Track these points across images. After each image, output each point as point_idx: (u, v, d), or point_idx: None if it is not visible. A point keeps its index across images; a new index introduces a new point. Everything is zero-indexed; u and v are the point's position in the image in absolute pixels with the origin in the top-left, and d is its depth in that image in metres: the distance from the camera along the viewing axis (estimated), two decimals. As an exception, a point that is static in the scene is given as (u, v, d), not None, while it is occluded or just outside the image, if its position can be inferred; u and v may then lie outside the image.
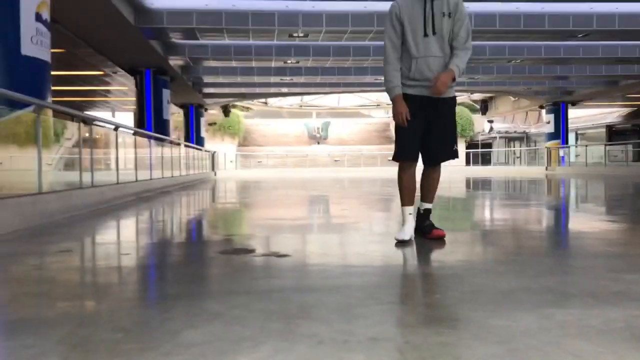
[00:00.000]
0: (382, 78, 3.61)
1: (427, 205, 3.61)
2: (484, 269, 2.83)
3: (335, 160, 34.89)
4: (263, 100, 38.27)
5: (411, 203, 3.56)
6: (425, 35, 3.35)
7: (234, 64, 18.26)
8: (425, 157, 3.56)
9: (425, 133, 3.47)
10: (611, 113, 33.97)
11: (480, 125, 39.19)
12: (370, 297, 2.11)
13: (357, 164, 33.81)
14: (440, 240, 3.50)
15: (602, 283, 2.34)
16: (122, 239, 4.48)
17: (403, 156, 3.51)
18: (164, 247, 3.87)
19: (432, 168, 3.60)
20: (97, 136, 8.03)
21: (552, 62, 18.65)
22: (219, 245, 3.70)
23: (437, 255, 3.17)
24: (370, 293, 2.19)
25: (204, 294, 2.29)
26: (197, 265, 3.02)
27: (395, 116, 3.42)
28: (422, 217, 3.61)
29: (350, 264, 2.97)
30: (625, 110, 33.10)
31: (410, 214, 3.53)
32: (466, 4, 11.55)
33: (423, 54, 3.36)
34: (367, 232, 4.53)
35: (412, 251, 3.29)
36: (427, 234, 3.55)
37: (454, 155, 3.52)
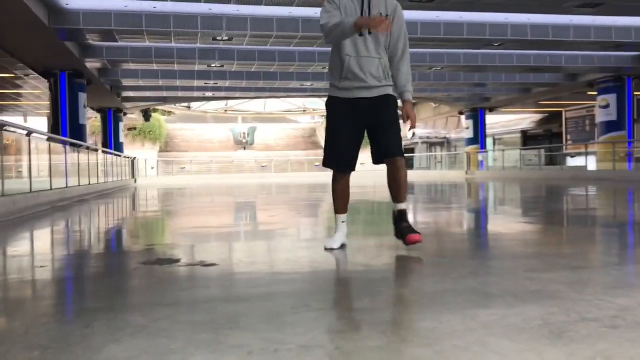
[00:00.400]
0: (326, 67, 3.47)
1: (402, 206, 3.37)
2: (411, 272, 2.88)
3: (262, 166, 34.73)
4: (186, 104, 37.53)
5: (345, 211, 3.48)
6: (361, 34, 3.22)
7: (155, 66, 17.79)
8: (380, 154, 3.34)
9: (372, 134, 3.34)
10: (525, 119, 35.75)
11: (403, 131, 40.13)
12: (300, 304, 2.09)
13: (285, 170, 33.81)
14: (371, 246, 3.53)
15: (522, 283, 2.43)
16: (36, 251, 4.24)
17: (337, 166, 3.37)
18: (83, 259, 3.69)
19: (393, 165, 3.32)
20: (8, 142, 7.58)
21: (470, 69, 19.42)
22: (141, 256, 3.56)
23: (365, 260, 3.19)
24: (300, 300, 2.17)
25: (127, 307, 2.20)
26: (119, 277, 2.90)
27: (374, 25, 3.02)
28: (399, 220, 3.37)
29: (279, 271, 2.94)
30: (538, 117, 34.93)
31: (343, 222, 3.46)
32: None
33: (356, 54, 3.24)
34: (295, 238, 4.51)
35: (340, 256, 3.30)
36: (404, 238, 3.30)
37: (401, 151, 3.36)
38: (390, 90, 3.37)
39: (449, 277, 2.63)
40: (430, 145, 41.30)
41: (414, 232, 3.28)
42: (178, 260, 3.24)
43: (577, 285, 2.33)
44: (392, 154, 3.31)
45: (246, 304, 2.15)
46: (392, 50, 3.32)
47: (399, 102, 3.45)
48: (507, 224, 5.28)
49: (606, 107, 20.41)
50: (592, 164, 20.20)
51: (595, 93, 21.12)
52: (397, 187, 3.34)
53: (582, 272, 2.64)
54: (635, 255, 3.38)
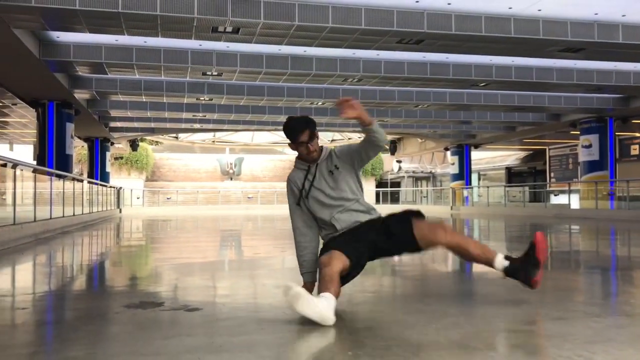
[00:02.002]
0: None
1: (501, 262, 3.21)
2: (395, 321, 2.89)
3: (249, 197, 34.66)
4: (174, 134, 37.58)
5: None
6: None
7: (144, 98, 17.85)
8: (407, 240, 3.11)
9: (381, 238, 3.16)
10: (510, 156, 36.17)
11: (389, 164, 40.46)
12: (283, 356, 2.09)
13: (271, 201, 33.75)
14: (366, 289, 3.52)
15: (503, 335, 2.45)
16: (18, 291, 4.19)
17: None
18: (64, 300, 3.66)
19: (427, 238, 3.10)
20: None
21: (456, 107, 19.70)
22: (124, 297, 3.54)
23: (349, 305, 3.19)
24: (282, 352, 2.17)
25: (109, 356, 2.18)
26: (101, 322, 2.87)
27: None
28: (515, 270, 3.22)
29: (262, 317, 2.93)
30: (522, 154, 35.37)
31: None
32: (377, 52, 11.88)
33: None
34: (280, 279, 4.50)
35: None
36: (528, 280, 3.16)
37: (411, 214, 3.21)
38: (377, 214, 3.30)
39: (432, 327, 2.65)
40: (416, 179, 41.57)
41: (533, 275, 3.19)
42: (161, 304, 3.23)
43: (557, 339, 2.36)
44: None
45: (228, 355, 2.15)
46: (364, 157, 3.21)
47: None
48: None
49: (588, 146, 20.75)
50: (575, 202, 20.43)
51: (578, 132, 21.50)
52: (464, 246, 3.21)
53: (562, 324, 2.67)
54: (616, 305, 3.42)
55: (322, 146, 3.30)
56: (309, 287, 3.11)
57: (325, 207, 3.20)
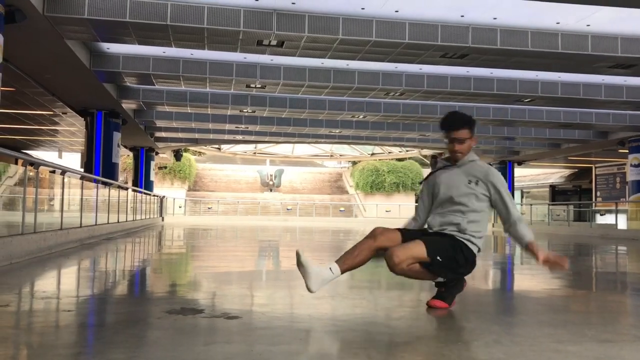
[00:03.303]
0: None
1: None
2: (436, 337, 2.84)
3: (287, 209, 34.83)
4: (216, 145, 38.17)
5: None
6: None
7: (189, 109, 18.21)
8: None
9: None
10: (554, 173, 35.38)
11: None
12: (321, 368, 2.08)
13: (309, 213, 33.83)
14: (404, 304, 3.50)
15: (546, 355, 2.38)
16: (62, 294, 4.30)
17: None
18: (107, 304, 3.74)
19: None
20: (42, 176, 7.78)
21: (499, 123, 19.40)
22: (165, 303, 3.59)
23: (388, 319, 3.16)
24: (321, 363, 2.16)
25: (149, 360, 2.21)
26: (142, 326, 2.91)
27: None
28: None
29: (300, 327, 2.92)
30: (567, 172, 34.54)
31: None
32: (420, 66, 11.87)
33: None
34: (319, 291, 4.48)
35: (363, 313, 3.27)
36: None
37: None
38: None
39: (474, 344, 2.59)
40: (457, 196, 40.96)
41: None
42: (201, 311, 3.26)
43: (605, 362, 2.28)
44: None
45: (267, 364, 2.15)
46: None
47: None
48: (534, 284, 5.18)
49: (638, 165, 20.12)
50: (622, 222, 19.78)
51: (627, 150, 20.87)
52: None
53: (609, 346, 2.57)
54: (666, 328, 3.28)
55: (474, 156, 3.42)
56: None
57: (438, 204, 3.32)
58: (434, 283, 3.39)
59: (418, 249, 3.10)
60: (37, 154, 27.91)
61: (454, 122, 3.31)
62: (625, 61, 10.95)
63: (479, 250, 3.33)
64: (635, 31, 10.29)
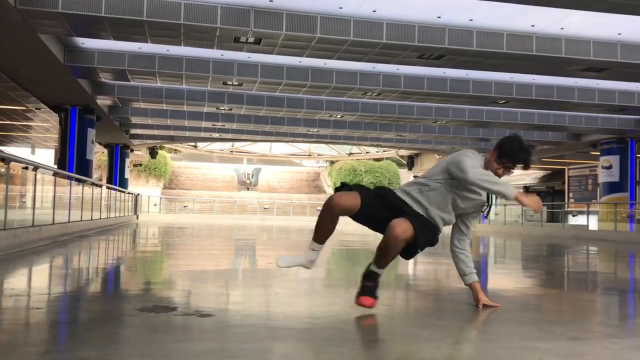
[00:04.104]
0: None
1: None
2: (409, 335, 2.86)
3: (265, 208, 34.72)
4: (192, 143, 37.87)
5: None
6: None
7: (164, 106, 18.02)
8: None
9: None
10: (528, 175, 35.84)
11: (406, 179, 40.30)
12: (294, 365, 2.08)
13: (287, 213, 33.77)
14: (379, 302, 3.50)
15: (517, 352, 2.41)
16: (33, 291, 4.23)
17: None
18: (79, 301, 3.68)
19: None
20: (14, 172, 7.64)
21: (474, 124, 19.60)
22: (138, 301, 3.56)
23: (363, 318, 3.17)
24: (294, 360, 2.16)
25: (121, 358, 2.19)
26: (114, 324, 2.88)
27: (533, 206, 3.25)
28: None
29: (274, 325, 2.92)
30: (541, 173, 35.04)
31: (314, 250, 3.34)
32: (397, 66, 11.93)
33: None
34: (293, 289, 4.49)
35: (337, 312, 3.28)
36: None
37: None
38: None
39: (446, 341, 2.62)
40: (433, 196, 41.28)
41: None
42: (174, 309, 3.23)
43: (573, 358, 2.32)
44: None
45: (240, 361, 2.14)
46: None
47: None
48: (506, 282, 5.25)
49: (609, 167, 20.51)
50: (593, 223, 20.14)
51: (598, 153, 21.26)
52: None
53: (578, 344, 2.62)
54: (634, 327, 3.36)
55: None
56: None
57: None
58: (361, 277, 3.32)
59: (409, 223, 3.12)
60: (9, 149, 27.38)
61: (528, 161, 3.55)
62: (598, 65, 11.15)
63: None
64: (608, 35, 10.49)
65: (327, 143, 32.01)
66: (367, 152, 40.05)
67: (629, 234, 17.54)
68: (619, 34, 10.34)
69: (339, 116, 18.69)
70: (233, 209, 33.96)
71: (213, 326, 2.81)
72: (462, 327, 2.98)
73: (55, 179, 9.87)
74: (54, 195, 9.56)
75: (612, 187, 20.37)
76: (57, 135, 17.71)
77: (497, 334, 2.88)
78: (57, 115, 16.94)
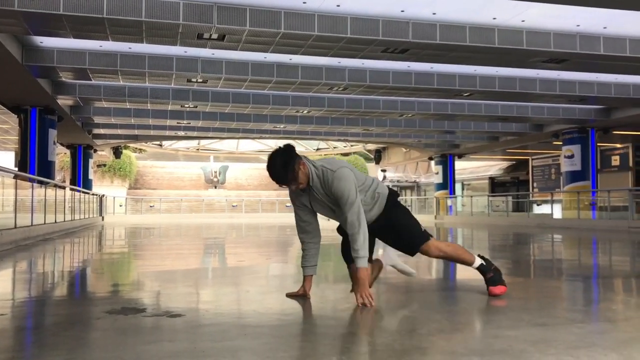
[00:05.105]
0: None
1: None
2: (379, 327, 2.87)
3: (233, 206, 34.51)
4: (157, 141, 37.37)
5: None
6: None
7: (127, 105, 17.72)
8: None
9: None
10: (493, 166, 36.45)
11: (374, 173, 40.54)
12: (266, 362, 2.07)
13: (255, 210, 33.64)
14: (350, 296, 3.52)
15: (487, 341, 2.45)
16: (-4, 296, 4.11)
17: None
18: (44, 306, 3.60)
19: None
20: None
21: (440, 117, 19.82)
22: (106, 303, 3.49)
23: (333, 312, 3.17)
24: (266, 358, 2.15)
25: (88, 362, 2.14)
26: (81, 327, 2.82)
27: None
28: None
29: (245, 323, 2.90)
30: (505, 164, 35.66)
31: None
32: (362, 61, 11.94)
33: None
34: (264, 286, 4.47)
35: (308, 307, 3.28)
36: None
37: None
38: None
39: (417, 332, 2.64)
40: (401, 188, 41.69)
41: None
42: (143, 310, 3.18)
43: (541, 344, 2.36)
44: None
45: (211, 359, 2.12)
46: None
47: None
48: (474, 274, 5.31)
49: (571, 157, 20.99)
50: (557, 212, 20.61)
51: (561, 143, 21.74)
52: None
53: (546, 330, 2.67)
54: (598, 311, 3.44)
55: (307, 171, 3.34)
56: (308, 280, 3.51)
57: (335, 213, 3.41)
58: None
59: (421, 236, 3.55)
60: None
61: (277, 179, 3.30)
62: (558, 56, 11.38)
63: None
64: (567, 27, 10.70)
65: (294, 139, 31.95)
66: (334, 147, 40.14)
67: (591, 221, 18.02)
68: (578, 25, 10.57)
69: (305, 112, 18.67)
70: (201, 208, 33.67)
71: (184, 326, 2.77)
72: (432, 318, 3.01)
73: (16, 181, 9.63)
74: (16, 199, 9.32)
75: (574, 176, 20.86)
76: (17, 137, 17.27)
77: (467, 323, 2.91)
78: (16, 116, 16.51)
